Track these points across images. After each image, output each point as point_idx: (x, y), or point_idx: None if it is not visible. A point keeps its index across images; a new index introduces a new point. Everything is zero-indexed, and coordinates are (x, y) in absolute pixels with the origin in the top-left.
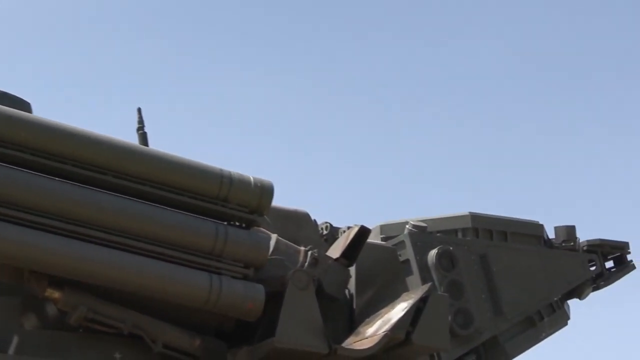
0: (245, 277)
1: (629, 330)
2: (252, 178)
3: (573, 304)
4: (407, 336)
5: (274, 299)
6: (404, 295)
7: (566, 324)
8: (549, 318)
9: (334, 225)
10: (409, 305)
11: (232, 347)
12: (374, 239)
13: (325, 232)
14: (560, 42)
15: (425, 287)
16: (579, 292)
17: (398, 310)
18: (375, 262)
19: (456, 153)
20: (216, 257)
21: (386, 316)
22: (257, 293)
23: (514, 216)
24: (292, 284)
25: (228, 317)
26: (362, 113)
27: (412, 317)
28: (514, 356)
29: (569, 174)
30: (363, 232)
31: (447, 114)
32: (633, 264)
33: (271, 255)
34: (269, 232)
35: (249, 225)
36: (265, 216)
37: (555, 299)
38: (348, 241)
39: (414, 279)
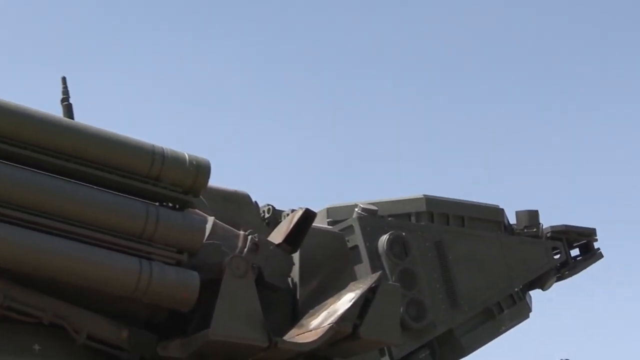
0: (178, 263)
1: (596, 323)
2: (187, 155)
3: (535, 295)
4: (354, 329)
5: (210, 287)
6: (352, 284)
7: (527, 316)
8: (509, 310)
9: (277, 208)
10: (357, 296)
11: (163, 339)
12: (319, 223)
13: (267, 215)
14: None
15: (375, 276)
16: (541, 282)
17: (345, 301)
18: (321, 249)
19: (411, 130)
20: (146, 241)
21: (332, 307)
22: (191, 280)
23: (472, 200)
24: (230, 271)
25: (159, 306)
26: (306, 86)
27: (360, 309)
28: (471, 351)
29: (532, 155)
30: (308, 215)
31: (402, 88)
32: (600, 252)
33: (207, 239)
34: (205, 215)
35: (183, 206)
36: (201, 197)
37: (516, 289)
38: (292, 225)
39: (363, 267)
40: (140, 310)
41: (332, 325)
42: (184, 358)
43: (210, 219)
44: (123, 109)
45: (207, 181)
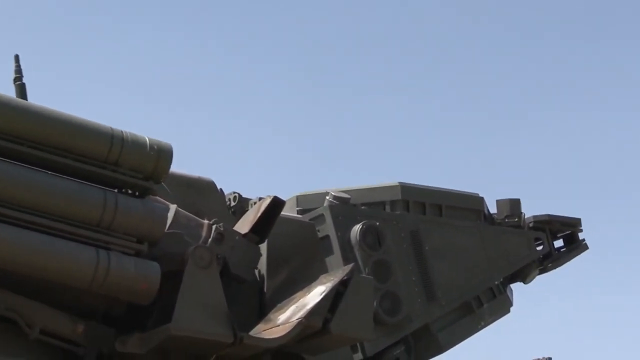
0: (138, 254)
1: (580, 319)
2: (147, 139)
3: (517, 288)
4: (325, 324)
5: (172, 279)
6: (322, 277)
7: (508, 311)
8: (488, 304)
9: (243, 195)
10: (328, 289)
11: (121, 333)
12: (289, 211)
13: (233, 203)
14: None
15: (347, 268)
16: (523, 275)
17: (315, 295)
18: (290, 239)
19: (386, 115)
20: (104, 230)
21: (301, 301)
22: (151, 272)
23: (450, 188)
24: (193, 262)
25: (117, 299)
26: (276, 69)
27: (330, 303)
28: (449, 347)
29: (514, 141)
30: (276, 204)
31: (378, 74)
32: (585, 244)
33: (169, 228)
34: (167, 202)
35: (144, 193)
36: (162, 183)
37: (497, 282)
38: (259, 214)
39: (335, 258)
40: (97, 303)
41: (301, 320)
42: (143, 354)
43: (173, 207)
44: (80, 90)
45: (168, 167)
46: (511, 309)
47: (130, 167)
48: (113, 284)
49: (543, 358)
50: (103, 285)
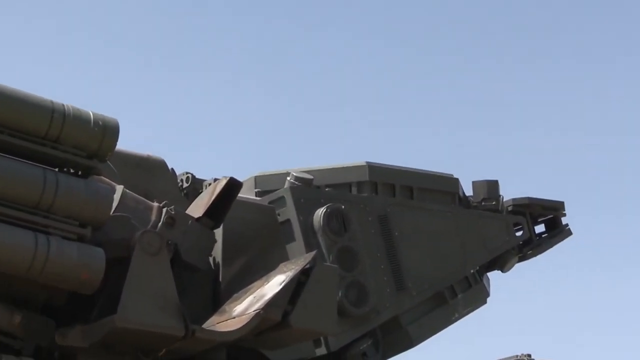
0: (80, 239)
1: (562, 310)
2: (92, 114)
3: (494, 277)
4: (284, 317)
5: (117, 266)
6: (283, 265)
7: (485, 301)
8: (463, 294)
9: (197, 176)
10: (288, 279)
11: (62, 325)
12: (246, 193)
13: (185, 184)
14: None
15: (310, 255)
16: (501, 263)
17: (274, 285)
18: (248, 224)
19: (352, 89)
20: (43, 212)
21: (259, 291)
22: (95, 259)
23: (422, 168)
24: (141, 248)
25: (58, 288)
26: (233, 36)
27: (291, 294)
28: (420, 341)
29: (491, 119)
30: (233, 186)
31: (349, 44)
32: (569, 229)
33: (114, 211)
34: (113, 183)
35: (87, 173)
36: (108, 162)
37: (472, 271)
38: (214, 197)
39: (296, 245)
40: (35, 293)
41: (259, 312)
42: (86, 347)
43: (119, 188)
44: (17, 59)
45: (114, 144)
46: (488, 299)
47: (72, 144)
48: (53, 272)
49: (522, 355)
50: (42, 272)
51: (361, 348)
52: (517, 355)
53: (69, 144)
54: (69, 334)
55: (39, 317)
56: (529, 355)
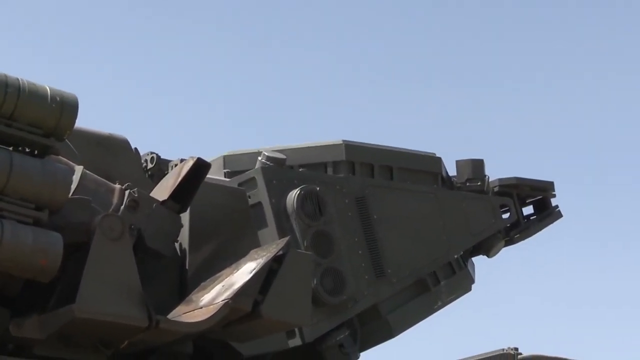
0: (36, 223)
1: (552, 298)
2: (49, 89)
3: (479, 262)
4: (255, 307)
5: (76, 252)
6: (253, 252)
7: (469, 289)
8: (446, 281)
9: (162, 156)
10: (259, 266)
11: (17, 315)
12: (215, 174)
13: (150, 165)
14: None
15: (282, 241)
16: (487, 247)
17: (244, 273)
18: (217, 208)
19: (328, 64)
20: None
21: (228, 280)
22: (52, 244)
23: (402, 147)
24: (101, 233)
25: (11, 275)
26: (200, 16)
27: (262, 282)
28: (400, 331)
29: (475, 95)
30: (200, 167)
31: (327, 19)
32: (558, 211)
33: (73, 193)
34: (72, 163)
35: (44, 152)
36: (66, 141)
37: (456, 256)
38: (180, 179)
39: (268, 229)
40: None
41: (228, 302)
42: (42, 339)
43: (78, 169)
44: None
45: (73, 122)
46: (473, 286)
47: (27, 122)
48: (6, 258)
49: (509, 348)
50: None
51: (338, 339)
52: (503, 349)
53: (24, 121)
54: (24, 324)
55: None
56: (516, 349)
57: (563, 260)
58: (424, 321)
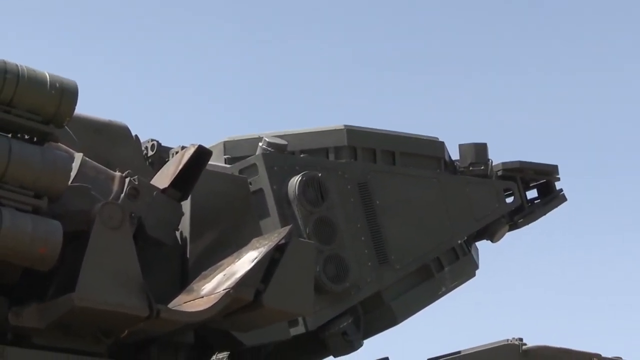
0: (35, 211)
1: (557, 283)
2: (48, 75)
3: (483, 247)
4: (257, 297)
5: (76, 241)
6: (255, 241)
7: (473, 274)
8: (450, 267)
9: (163, 144)
10: (261, 255)
11: (16, 304)
12: (215, 160)
13: (150, 152)
14: None
15: (284, 230)
16: (491, 232)
17: (246, 262)
18: (218, 196)
19: (329, 48)
20: None
21: (229, 269)
22: (51, 232)
23: (405, 131)
24: (101, 222)
25: (11, 264)
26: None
27: (264, 272)
28: (404, 318)
29: (478, 79)
30: (201, 154)
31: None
32: (563, 195)
33: (73, 181)
34: (71, 150)
35: (43, 139)
36: (66, 128)
37: (460, 241)
38: (181, 166)
39: (269, 216)
40: None
41: (229, 291)
42: (42, 328)
43: (78, 156)
44: None
45: (73, 108)
46: (476, 271)
47: (27, 108)
48: (5, 246)
49: (513, 339)
50: None
51: (341, 326)
52: (508, 339)
53: (23, 107)
54: (23, 313)
55: None
56: (521, 339)
57: (569, 248)
58: (427, 311)
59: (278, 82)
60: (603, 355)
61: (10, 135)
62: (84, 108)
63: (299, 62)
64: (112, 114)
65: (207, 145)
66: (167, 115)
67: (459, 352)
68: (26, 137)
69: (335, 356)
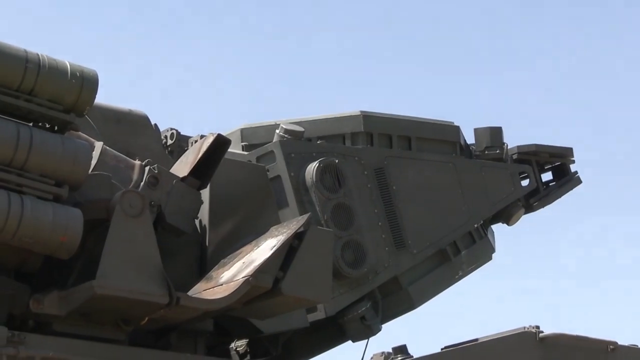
0: (56, 199)
1: (574, 267)
2: (69, 64)
3: (499, 230)
4: (275, 284)
5: (96, 229)
6: (274, 229)
7: (490, 258)
8: (467, 251)
9: (182, 132)
10: (280, 243)
11: (37, 292)
12: (232, 148)
13: (170, 141)
14: None
15: (303, 218)
16: (507, 215)
17: (264, 250)
18: (237, 184)
19: (346, 34)
20: (16, 170)
21: (248, 257)
22: (72, 220)
23: (420, 116)
24: (121, 210)
25: (32, 252)
26: None
27: (283, 259)
28: (422, 302)
29: (493, 62)
30: (220, 143)
31: None
32: (578, 177)
33: (93, 169)
34: (91, 139)
35: (64, 128)
36: (86, 117)
37: (476, 225)
38: (200, 155)
39: (287, 203)
40: (8, 256)
41: (248, 279)
42: (62, 316)
43: (98, 145)
44: None
45: (93, 97)
46: (493, 255)
47: (48, 97)
48: (27, 234)
49: (530, 327)
50: (15, 235)
51: (359, 311)
52: (524, 327)
53: (44, 96)
54: (44, 301)
55: (13, 282)
56: (538, 327)
57: (585, 233)
58: (443, 298)
59: (294, 69)
60: (620, 343)
61: (31, 124)
62: (103, 97)
63: (314, 48)
64: (132, 102)
65: (224, 133)
66: (186, 105)
67: (475, 339)
68: (47, 126)
69: (353, 341)
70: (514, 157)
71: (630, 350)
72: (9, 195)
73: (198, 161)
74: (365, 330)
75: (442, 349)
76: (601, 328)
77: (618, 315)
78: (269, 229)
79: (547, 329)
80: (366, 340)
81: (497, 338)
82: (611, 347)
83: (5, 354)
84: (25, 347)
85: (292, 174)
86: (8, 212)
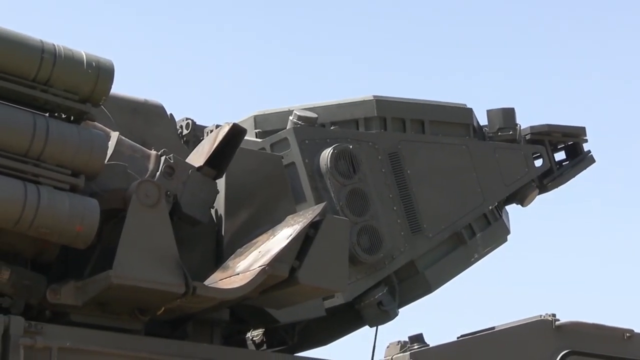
0: (73, 189)
1: (591, 247)
2: (85, 54)
3: (513, 211)
4: (292, 273)
5: (113, 219)
6: (290, 218)
7: (505, 239)
8: (482, 233)
9: (198, 122)
10: (296, 232)
11: (53, 282)
12: (246, 135)
13: (185, 131)
14: None
15: (319, 207)
16: (521, 196)
17: (281, 239)
18: (253, 174)
19: (357, 19)
20: (33, 160)
21: (264, 246)
22: (88, 210)
23: (433, 100)
24: (138, 199)
25: (49, 242)
26: None
27: (299, 248)
28: (438, 286)
29: (504, 42)
30: (236, 132)
31: None
32: (591, 156)
33: (109, 159)
34: (107, 129)
35: (80, 118)
36: (102, 107)
37: (491, 207)
38: (216, 145)
39: (302, 189)
40: (25, 247)
41: (264, 268)
42: (79, 306)
43: (114, 135)
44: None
45: (109, 87)
46: (508, 236)
47: (64, 87)
48: (43, 224)
49: (546, 315)
50: (32, 225)
51: (376, 297)
52: (541, 315)
53: (60, 86)
54: (61, 291)
55: (29, 272)
56: (554, 315)
57: (601, 217)
58: (459, 285)
59: (305, 53)
60: (636, 331)
61: (47, 115)
62: (119, 87)
63: (324, 32)
64: (148, 92)
65: (237, 121)
66: (201, 94)
67: (492, 328)
68: (63, 116)
69: (371, 326)
70: (527, 137)
71: None
72: (25, 185)
73: (214, 151)
74: (383, 315)
75: (458, 338)
76: (618, 316)
77: (636, 303)
78: (285, 218)
79: (564, 317)
80: (381, 326)
81: (513, 327)
82: (627, 334)
83: (22, 344)
84: (42, 337)
85: (307, 160)
86: (25, 202)
